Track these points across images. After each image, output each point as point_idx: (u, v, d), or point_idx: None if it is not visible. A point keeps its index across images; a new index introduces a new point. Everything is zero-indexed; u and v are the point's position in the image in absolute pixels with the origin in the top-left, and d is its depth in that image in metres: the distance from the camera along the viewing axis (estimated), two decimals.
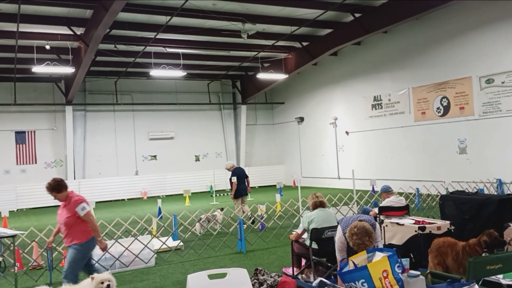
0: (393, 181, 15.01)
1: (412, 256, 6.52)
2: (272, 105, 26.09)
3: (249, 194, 12.54)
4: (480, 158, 14.60)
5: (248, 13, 14.72)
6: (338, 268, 4.71)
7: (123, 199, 21.05)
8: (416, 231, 6.56)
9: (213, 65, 21.16)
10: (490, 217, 7.15)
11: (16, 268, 6.91)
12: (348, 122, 20.34)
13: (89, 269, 5.83)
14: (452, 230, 6.67)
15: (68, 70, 16.50)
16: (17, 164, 20.32)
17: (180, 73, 18.51)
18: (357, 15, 15.53)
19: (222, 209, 11.28)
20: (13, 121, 20.30)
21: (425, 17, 15.60)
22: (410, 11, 14.24)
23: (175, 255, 8.54)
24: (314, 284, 4.59)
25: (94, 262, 7.21)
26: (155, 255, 8.07)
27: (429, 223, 6.76)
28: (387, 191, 8.38)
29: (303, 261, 6.64)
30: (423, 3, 13.76)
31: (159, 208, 14.12)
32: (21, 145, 20.45)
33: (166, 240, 8.61)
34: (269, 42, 17.36)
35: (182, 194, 19.51)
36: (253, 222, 11.41)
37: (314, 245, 6.12)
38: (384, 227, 7.12)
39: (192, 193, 19.14)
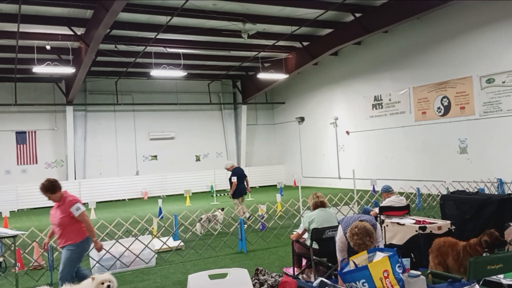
0: (394, 181, 15.01)
1: (412, 256, 6.51)
2: (273, 105, 26.09)
3: (249, 194, 12.61)
4: (481, 158, 14.59)
5: (249, 13, 14.72)
6: (339, 268, 4.71)
7: (124, 199, 21.05)
8: (416, 231, 6.55)
9: (213, 65, 21.16)
10: (490, 217, 7.14)
11: (17, 268, 6.92)
12: (349, 122, 20.33)
13: (77, 272, 5.76)
14: (453, 230, 6.66)
15: (69, 70, 16.50)
16: (17, 164, 20.33)
17: (180, 73, 18.50)
18: (357, 15, 15.52)
19: (222, 209, 11.29)
20: (14, 121, 20.32)
21: (426, 17, 15.60)
22: (410, 11, 14.23)
23: (175, 255, 8.54)
24: (314, 284, 4.59)
25: (94, 262, 7.23)
26: (156, 255, 8.08)
27: (430, 223, 6.76)
28: (387, 191, 8.38)
29: (304, 261, 6.64)
30: (423, 3, 13.75)
31: (160, 208, 14.12)
32: (21, 145, 20.47)
33: (166, 240, 8.61)
34: (270, 42, 17.36)
35: (182, 194, 19.51)
36: (248, 218, 11.54)
37: (315, 245, 6.13)
38: (384, 227, 7.12)
39: (192, 193, 19.14)
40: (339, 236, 5.20)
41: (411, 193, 13.39)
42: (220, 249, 8.85)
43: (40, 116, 20.83)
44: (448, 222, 6.83)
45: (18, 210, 18.90)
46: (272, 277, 5.49)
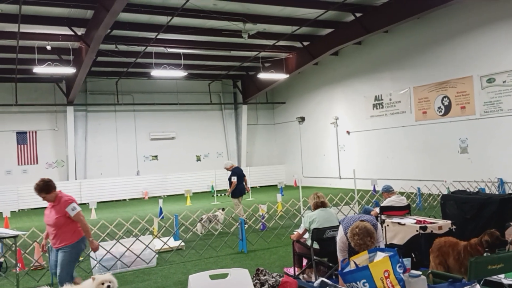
0: (394, 181, 15.02)
1: (413, 256, 6.51)
2: (273, 105, 26.09)
3: (248, 193, 12.66)
4: (482, 158, 14.59)
5: (249, 13, 14.72)
6: (340, 268, 4.71)
7: (124, 199, 21.06)
8: (417, 230, 6.55)
9: (214, 65, 21.17)
10: (491, 217, 7.13)
11: (17, 268, 6.93)
12: (349, 122, 20.33)
13: None
14: (454, 230, 6.66)
15: (69, 70, 16.51)
16: (18, 164, 20.35)
17: (181, 73, 18.51)
18: (358, 14, 15.51)
19: (223, 209, 11.30)
20: (14, 121, 20.33)
21: (426, 16, 15.59)
22: (410, 11, 14.23)
23: (176, 255, 8.54)
24: (315, 284, 4.59)
25: (95, 262, 7.23)
26: (157, 255, 8.08)
27: (431, 223, 6.75)
28: (388, 191, 8.37)
29: (305, 261, 6.64)
30: (423, 3, 13.75)
31: (160, 208, 14.12)
32: (22, 146, 20.48)
33: (167, 240, 8.61)
34: (270, 42, 17.36)
35: (183, 194, 19.52)
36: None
37: (316, 245, 6.13)
38: (385, 227, 7.11)
39: (193, 193, 19.13)
40: (340, 236, 5.20)
41: (412, 193, 13.38)
42: (221, 249, 8.85)
43: (40, 116, 20.85)
44: (449, 222, 6.82)
45: (19, 210, 18.91)
46: (272, 277, 5.49)
